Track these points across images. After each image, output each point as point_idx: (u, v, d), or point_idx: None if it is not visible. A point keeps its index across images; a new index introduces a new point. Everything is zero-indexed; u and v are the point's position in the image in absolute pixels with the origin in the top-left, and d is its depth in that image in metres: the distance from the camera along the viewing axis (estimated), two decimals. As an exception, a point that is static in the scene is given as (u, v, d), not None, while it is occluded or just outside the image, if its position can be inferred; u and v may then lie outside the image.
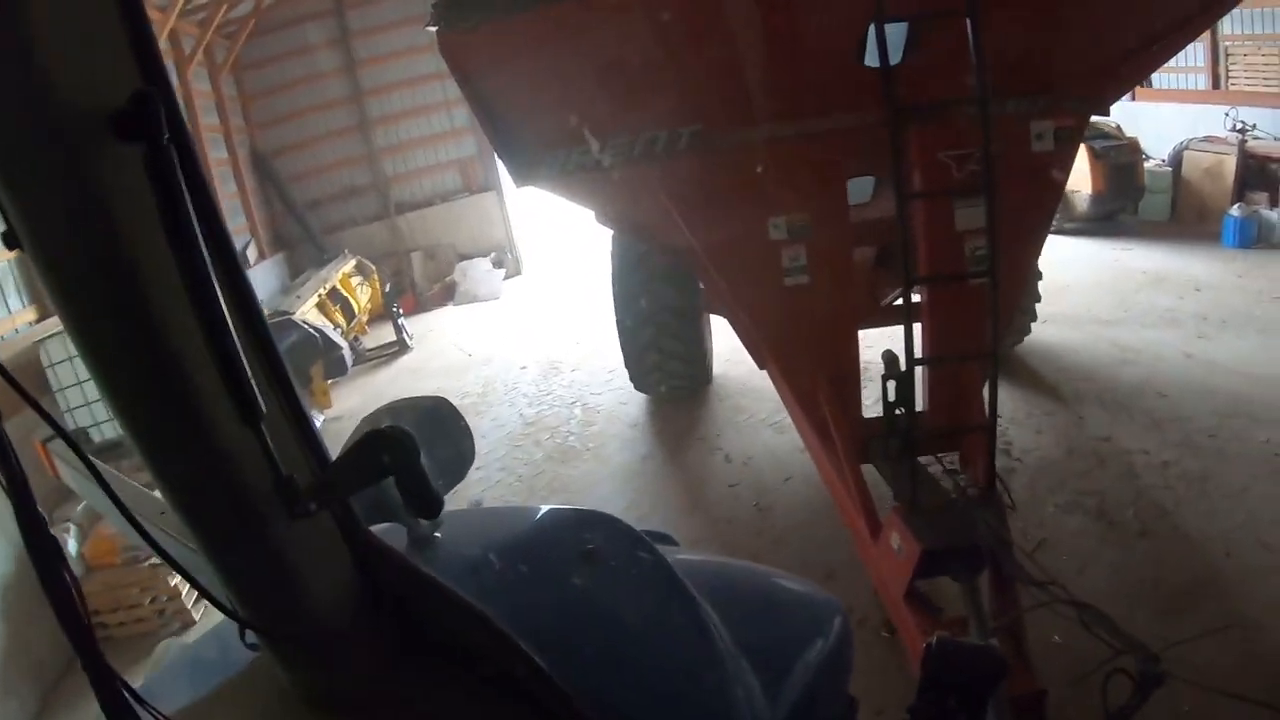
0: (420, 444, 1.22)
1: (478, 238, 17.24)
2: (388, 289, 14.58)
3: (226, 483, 1.02)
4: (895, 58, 3.94)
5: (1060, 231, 12.47)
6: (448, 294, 16.27)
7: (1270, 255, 10.68)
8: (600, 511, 1.86)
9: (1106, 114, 5.41)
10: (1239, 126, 12.41)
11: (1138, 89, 15.41)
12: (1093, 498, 5.76)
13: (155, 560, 5.66)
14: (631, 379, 8.18)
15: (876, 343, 5.24)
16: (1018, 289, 5.17)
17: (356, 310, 14.24)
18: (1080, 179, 12.31)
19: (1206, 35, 13.96)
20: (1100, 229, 12.53)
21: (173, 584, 6.09)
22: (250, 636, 1.24)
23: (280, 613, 1.17)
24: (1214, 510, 5.48)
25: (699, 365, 8.04)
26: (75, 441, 1.12)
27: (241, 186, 15.62)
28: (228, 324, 0.94)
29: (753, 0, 4.13)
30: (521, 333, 12.31)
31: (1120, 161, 12.34)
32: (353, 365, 12.79)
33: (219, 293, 0.93)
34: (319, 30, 16.45)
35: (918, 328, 3.98)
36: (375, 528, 1.43)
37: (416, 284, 16.77)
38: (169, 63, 13.24)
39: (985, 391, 4.02)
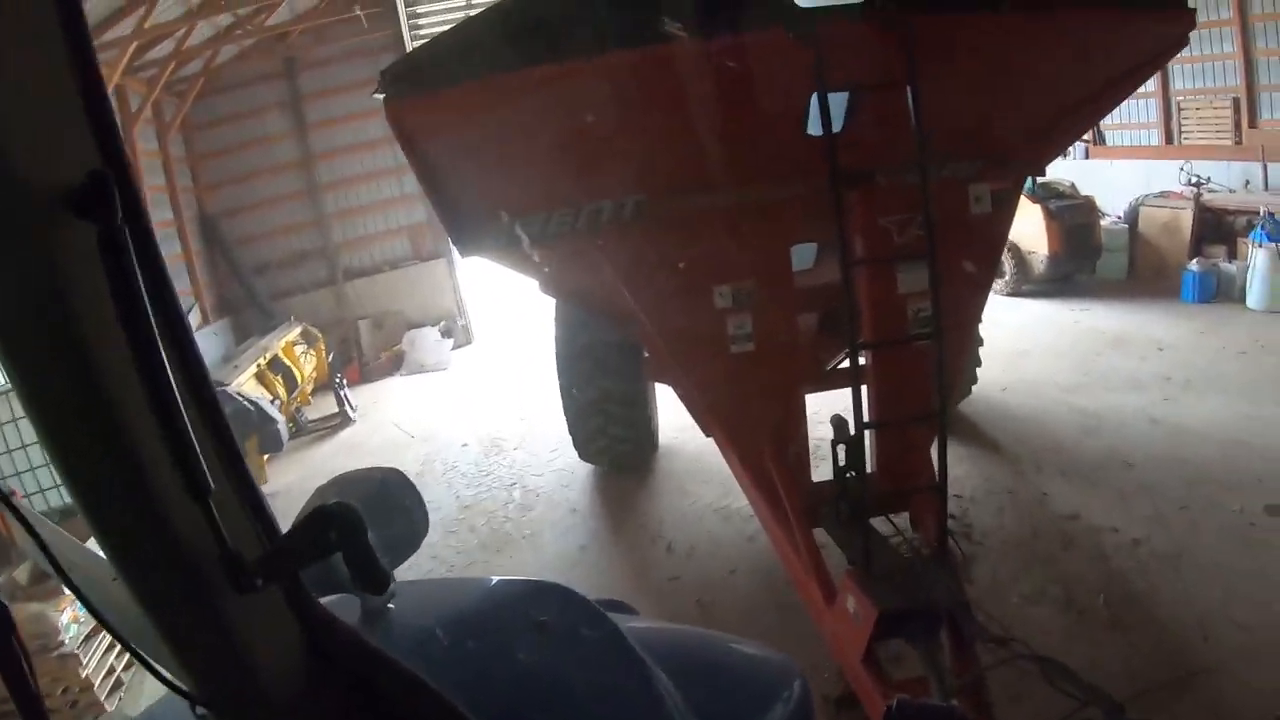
0: (372, 517, 1.22)
1: (427, 306, 16.81)
2: (330, 358, 13.98)
3: (173, 556, 1.01)
4: (835, 126, 3.97)
5: (1017, 294, 12.36)
6: (395, 363, 15.75)
7: (1230, 309, 10.53)
8: (553, 583, 1.84)
9: (1043, 174, 5.48)
10: (1194, 180, 12.33)
11: (1091, 146, 15.65)
12: (1060, 585, 5.32)
13: (66, 650, 5.44)
14: (576, 448, 8.00)
15: (818, 407, 5.22)
16: (962, 349, 5.25)
17: (299, 380, 13.67)
18: (1036, 240, 12.16)
19: (1158, 91, 14.07)
20: (1058, 290, 12.37)
21: (84, 675, 5.61)
22: (200, 711, 1.18)
23: (229, 688, 1.14)
24: (1188, 592, 5.09)
25: (644, 433, 7.89)
26: (12, 504, 1.10)
27: (186, 248, 15.16)
28: (176, 401, 0.94)
29: (696, 73, 4.10)
30: (467, 406, 11.94)
31: (1076, 222, 12.20)
32: (295, 437, 12.34)
33: (169, 370, 0.93)
34: (270, 92, 16.15)
35: (863, 390, 4.05)
36: (328, 599, 1.38)
37: (364, 353, 16.25)
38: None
39: (934, 451, 4.08)
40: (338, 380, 13.37)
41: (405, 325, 16.56)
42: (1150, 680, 4.31)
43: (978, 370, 8.10)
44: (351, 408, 13.33)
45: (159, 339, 0.93)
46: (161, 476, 0.97)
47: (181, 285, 14.74)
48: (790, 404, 4.83)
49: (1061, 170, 14.63)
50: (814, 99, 3.88)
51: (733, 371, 4.72)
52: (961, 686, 3.43)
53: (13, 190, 0.81)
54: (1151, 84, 14.16)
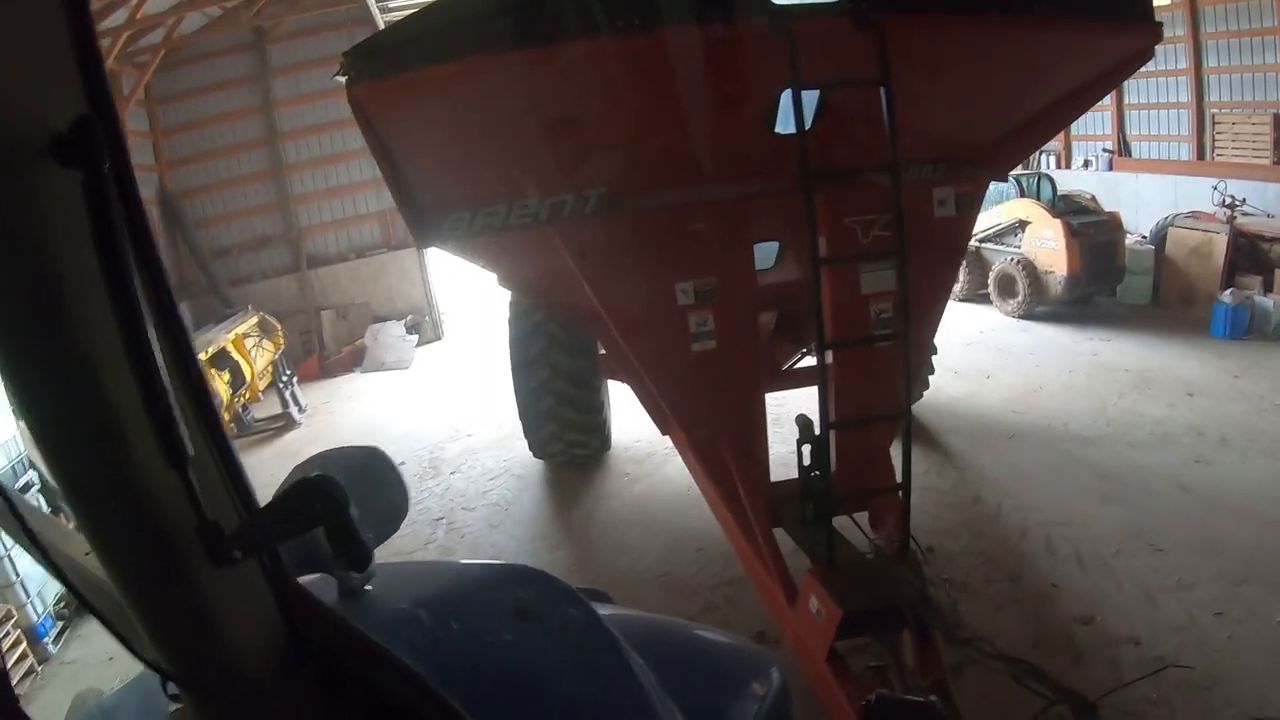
0: (352, 495, 1.21)
1: (395, 298, 15.83)
2: (279, 354, 12.91)
3: (149, 526, 0.98)
4: (807, 125, 3.91)
5: (1030, 316, 11.32)
6: (356, 359, 14.70)
7: (1267, 349, 9.36)
8: (534, 568, 1.80)
9: (1004, 179, 5.62)
10: (1228, 201, 11.19)
11: (1115, 157, 14.54)
12: None
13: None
14: (529, 446, 7.98)
15: (773, 406, 5.07)
16: (922, 350, 5.30)
17: (248, 376, 12.64)
18: (1054, 258, 11.07)
19: (1191, 102, 12.92)
20: (1075, 314, 11.29)
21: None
22: (172, 688, 1.14)
23: (202, 663, 1.09)
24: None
25: (597, 433, 7.87)
26: None
27: (141, 229, 13.99)
28: (156, 361, 0.91)
29: (663, 65, 4.00)
30: (418, 413, 11.18)
31: (1099, 240, 11.08)
32: (234, 439, 11.30)
33: (150, 327, 0.90)
34: (238, 65, 15.15)
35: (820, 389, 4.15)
36: (304, 579, 1.33)
37: (325, 346, 15.21)
38: None
39: (897, 453, 4.15)
40: (285, 378, 12.36)
41: (371, 318, 15.56)
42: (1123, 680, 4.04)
43: (931, 377, 8.19)
44: (300, 408, 12.37)
45: (140, 295, 0.89)
46: (139, 440, 0.93)
47: (132, 267, 13.75)
48: (750, 402, 4.80)
49: (1082, 182, 13.54)
50: (784, 96, 3.91)
51: (693, 369, 4.67)
52: (927, 686, 3.41)
53: None
54: (1184, 94, 13.14)
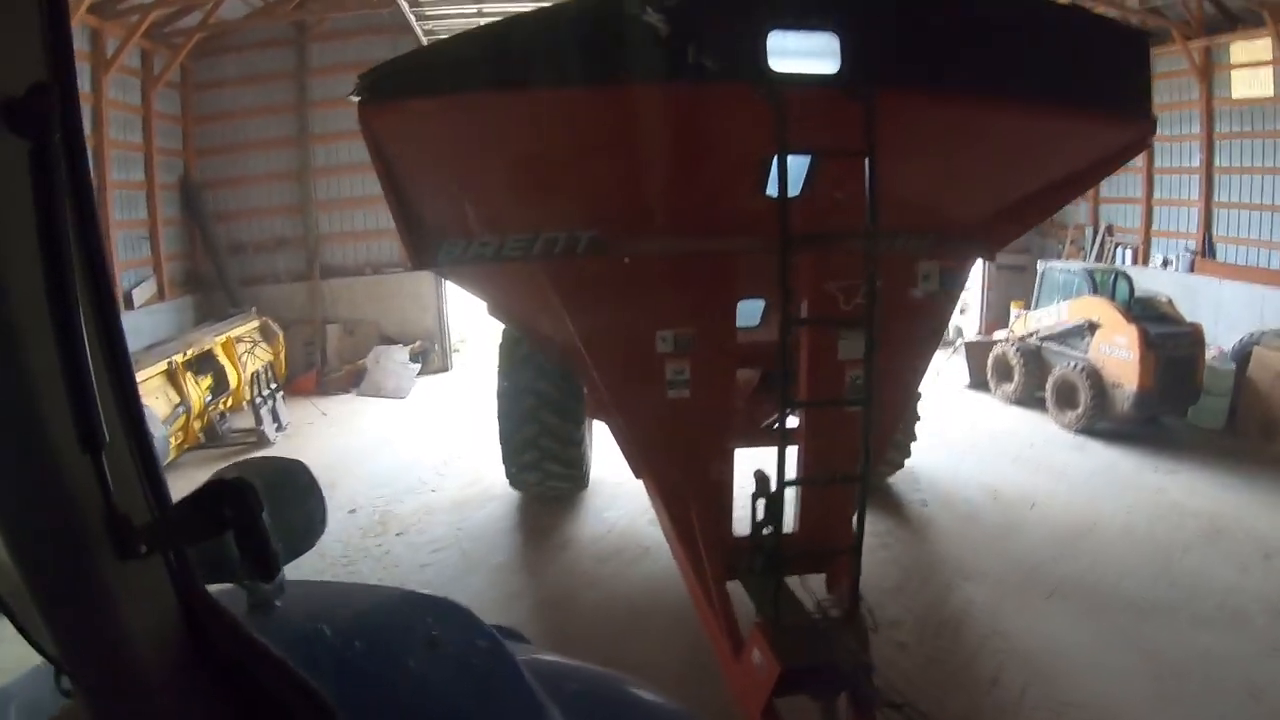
0: (270, 504, 1.16)
1: (406, 321, 15.03)
2: (257, 370, 12.08)
3: (56, 509, 0.95)
4: (795, 189, 4.11)
5: (1089, 431, 9.99)
6: (355, 379, 13.86)
7: (1361, 505, 7.88)
8: (449, 600, 1.72)
9: (993, 259, 5.49)
10: (1326, 323, 9.86)
11: (1197, 259, 13.25)
12: None
13: None
14: (507, 473, 8.13)
15: (749, 464, 4.83)
16: (894, 421, 5.24)
17: (233, 382, 11.82)
18: (1124, 370, 9.80)
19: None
20: (1140, 435, 9.96)
21: None
22: (65, 682, 1.16)
23: (97, 658, 1.07)
24: None
25: (576, 469, 8.05)
26: None
27: (153, 215, 13.50)
28: (83, 340, 0.90)
29: (660, 118, 4.07)
30: (392, 454, 10.39)
31: (1178, 354, 9.81)
32: (201, 448, 10.85)
33: (80, 306, 0.89)
34: (276, 59, 14.61)
35: (794, 450, 4.43)
36: (213, 588, 1.29)
37: (327, 361, 14.41)
38: (84, 64, 11.48)
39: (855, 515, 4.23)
40: (265, 393, 11.54)
41: (378, 338, 14.76)
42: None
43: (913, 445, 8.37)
44: (280, 425, 11.58)
45: (76, 269, 0.88)
46: (55, 418, 0.90)
47: (140, 254, 13.25)
48: (719, 455, 4.81)
49: (1158, 283, 12.27)
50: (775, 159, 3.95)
51: (666, 416, 4.75)
52: None
53: None
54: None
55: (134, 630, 1.06)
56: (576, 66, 3.94)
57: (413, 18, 11.77)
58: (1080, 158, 4.77)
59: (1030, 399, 11.23)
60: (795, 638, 3.83)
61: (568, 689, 1.80)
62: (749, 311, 5.12)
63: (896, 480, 8.36)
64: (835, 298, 4.43)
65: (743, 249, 4.36)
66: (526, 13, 4.23)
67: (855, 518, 4.13)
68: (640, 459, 5.18)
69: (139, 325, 12.41)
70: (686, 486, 4.77)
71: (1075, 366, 10.34)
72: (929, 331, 5.02)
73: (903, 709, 3.48)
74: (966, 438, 9.99)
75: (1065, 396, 10.48)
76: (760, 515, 4.39)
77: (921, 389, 7.80)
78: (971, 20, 4.15)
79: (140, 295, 12.90)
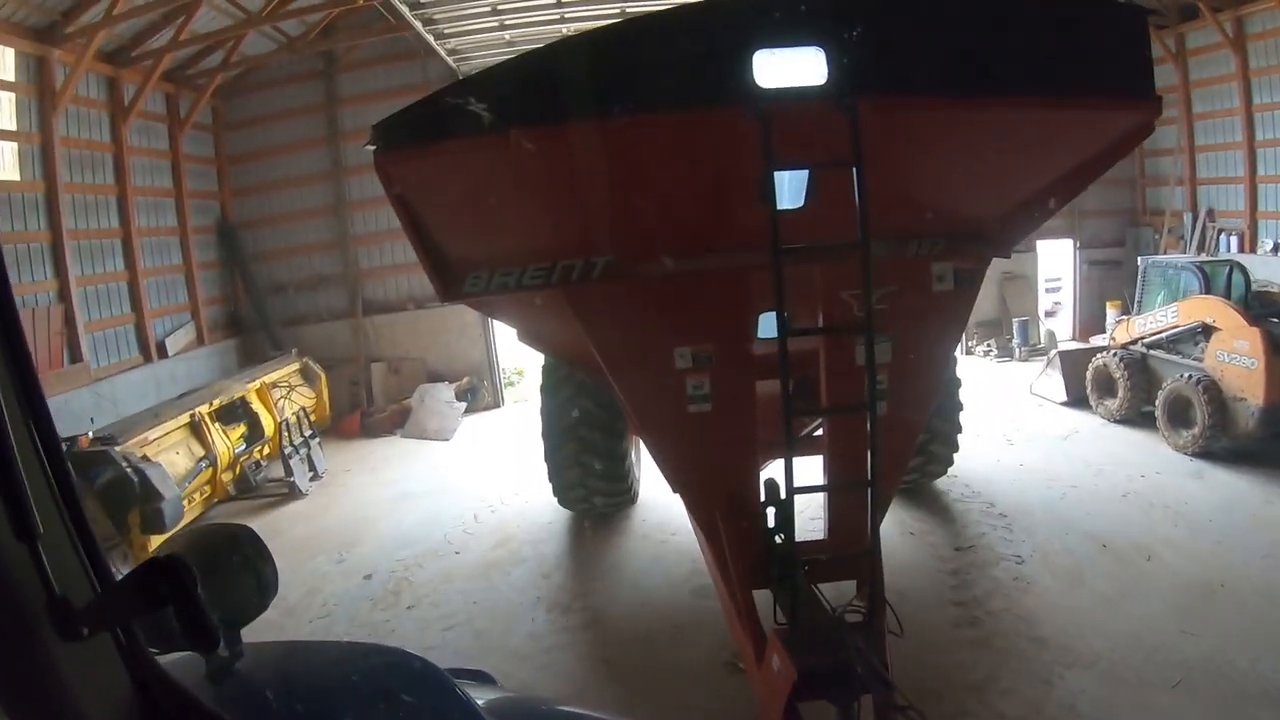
0: (216, 573, 1.27)
1: (453, 356, 14.39)
2: (291, 415, 11.50)
3: None
4: (798, 202, 4.46)
5: (1207, 453, 8.55)
6: (399, 420, 13.22)
7: None
8: (406, 651, 1.69)
9: (1007, 256, 5.48)
10: None
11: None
12: None
13: None
14: (554, 492, 8.39)
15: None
16: (919, 421, 5.26)
17: (268, 430, 11.27)
18: (1248, 381, 8.36)
19: None
20: (1268, 457, 8.39)
21: None
22: None
23: None
24: None
25: (621, 484, 8.30)
26: None
27: (188, 260, 13.21)
28: (8, 434, 0.93)
29: (663, 144, 4.20)
30: (425, 506, 9.67)
31: (1314, 362, 8.24)
32: (231, 500, 10.36)
33: (2, 402, 0.92)
34: (305, 93, 14.25)
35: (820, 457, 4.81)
36: (175, 656, 1.31)
37: (373, 401, 13.82)
38: (101, 113, 11.28)
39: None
40: (299, 440, 10.95)
41: (425, 375, 14.15)
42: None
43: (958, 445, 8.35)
44: (315, 474, 10.99)
45: None
46: None
47: (177, 301, 12.95)
48: (743, 466, 4.85)
49: (1271, 270, 10.73)
50: (779, 175, 4.10)
51: (689, 431, 4.82)
52: None
53: None
54: None
55: (89, 710, 1.07)
56: (574, 103, 4.08)
57: (430, 37, 11.12)
58: (1084, 147, 4.69)
59: (1137, 415, 9.83)
60: (813, 643, 3.88)
61: None
62: (772, 324, 4.98)
63: (988, 532, 7.21)
64: (849, 305, 4.43)
65: (754, 263, 4.32)
66: (524, 55, 4.60)
67: (870, 521, 4.30)
68: (668, 472, 5.22)
69: (174, 373, 12.11)
70: (713, 497, 4.83)
71: (1189, 378, 8.90)
72: (946, 334, 5.13)
73: (905, 710, 3.49)
74: (1066, 469, 8.66)
75: (1178, 413, 9.03)
76: (772, 522, 4.47)
77: (962, 399, 8.38)
78: (956, 19, 4.18)
79: (175, 343, 12.54)
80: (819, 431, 5.69)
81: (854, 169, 3.84)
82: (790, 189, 4.48)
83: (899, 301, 4.39)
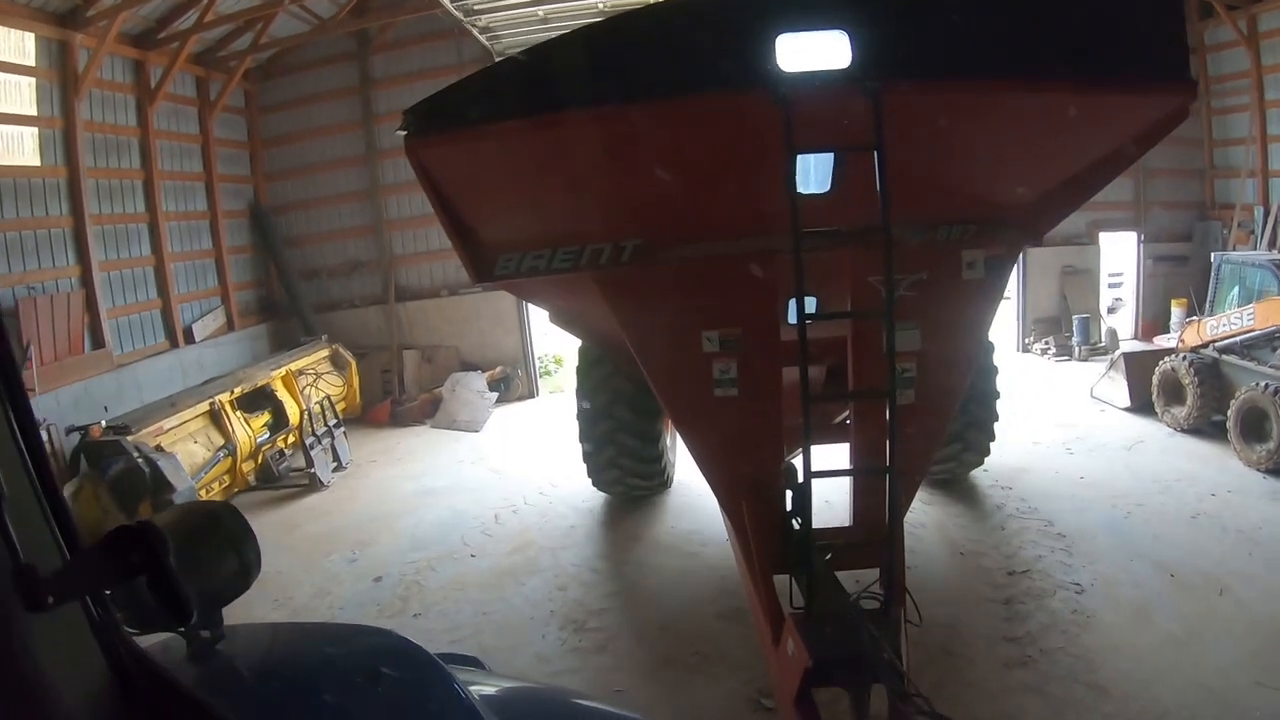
0: (196, 550, 1.26)
1: (487, 344, 14.06)
2: (313, 404, 11.24)
3: None
4: (825, 186, 4.61)
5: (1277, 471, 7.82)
6: (429, 409, 12.92)
7: None
8: (393, 633, 1.72)
9: (1040, 243, 5.39)
10: None
11: None
12: None
13: None
14: (589, 472, 8.48)
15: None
16: (947, 410, 5.19)
17: (293, 419, 11.07)
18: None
19: None
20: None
21: None
22: None
23: (21, 712, 1.02)
24: None
25: (656, 466, 8.35)
26: None
27: (218, 244, 13.07)
28: None
29: (689, 128, 4.26)
30: (449, 501, 9.37)
31: None
32: (253, 490, 10.26)
33: None
34: (339, 75, 13.99)
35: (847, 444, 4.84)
36: (157, 638, 1.35)
37: (404, 389, 13.57)
38: (127, 97, 11.12)
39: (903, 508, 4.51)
40: (322, 430, 10.69)
41: (459, 364, 13.88)
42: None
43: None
44: (339, 465, 10.77)
45: None
46: None
47: (207, 286, 12.82)
48: (768, 451, 4.83)
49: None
50: (807, 159, 4.29)
51: (715, 414, 4.89)
52: None
53: None
54: None
55: (57, 686, 1.03)
56: (604, 87, 4.14)
57: (460, 15, 10.71)
58: (1119, 132, 4.63)
59: (1206, 425, 9.12)
60: (828, 630, 3.87)
61: (517, 709, 1.80)
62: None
63: (1046, 555, 6.65)
64: (877, 291, 4.34)
65: (781, 248, 4.28)
66: (549, 42, 4.71)
67: (889, 509, 4.28)
68: (695, 455, 5.25)
69: (201, 359, 11.95)
70: (738, 480, 4.87)
71: (1265, 387, 8.16)
72: (976, 321, 5.09)
73: (911, 699, 3.46)
74: (1130, 484, 7.99)
75: (1252, 425, 8.30)
76: (789, 507, 4.45)
77: (1010, 394, 8.51)
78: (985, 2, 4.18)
79: (203, 328, 12.38)
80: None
81: (875, 153, 3.87)
82: (817, 173, 4.57)
83: (928, 288, 4.42)
